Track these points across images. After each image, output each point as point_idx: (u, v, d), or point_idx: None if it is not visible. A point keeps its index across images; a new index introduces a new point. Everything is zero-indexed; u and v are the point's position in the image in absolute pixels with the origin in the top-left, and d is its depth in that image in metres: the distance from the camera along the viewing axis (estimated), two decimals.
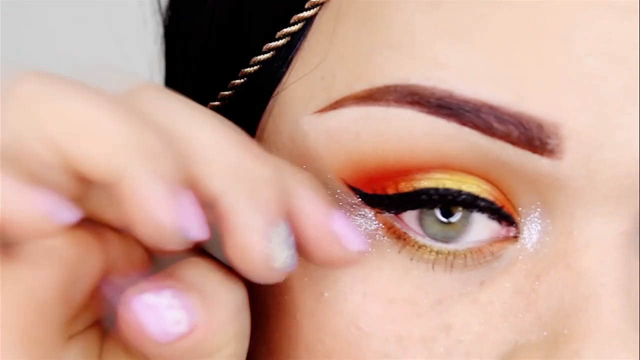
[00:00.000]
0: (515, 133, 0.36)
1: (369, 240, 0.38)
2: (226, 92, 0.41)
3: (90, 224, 0.35)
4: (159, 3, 0.46)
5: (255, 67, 0.40)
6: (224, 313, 0.35)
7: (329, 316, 0.38)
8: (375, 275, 0.38)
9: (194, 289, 0.35)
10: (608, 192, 0.36)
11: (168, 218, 0.32)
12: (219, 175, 0.34)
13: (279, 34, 0.39)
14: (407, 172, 0.37)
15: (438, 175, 0.37)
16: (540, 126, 0.36)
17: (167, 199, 0.32)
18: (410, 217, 0.38)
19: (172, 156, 0.33)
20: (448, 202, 0.37)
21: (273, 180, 0.35)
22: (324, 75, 0.39)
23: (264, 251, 0.34)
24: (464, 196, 0.37)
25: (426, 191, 0.37)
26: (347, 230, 0.37)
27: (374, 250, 0.38)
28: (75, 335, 0.36)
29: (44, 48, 0.81)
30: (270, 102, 0.40)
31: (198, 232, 0.33)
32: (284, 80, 0.40)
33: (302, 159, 0.38)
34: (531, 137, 0.36)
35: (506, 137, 0.36)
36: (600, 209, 0.37)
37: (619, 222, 0.37)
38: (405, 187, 0.37)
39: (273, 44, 0.40)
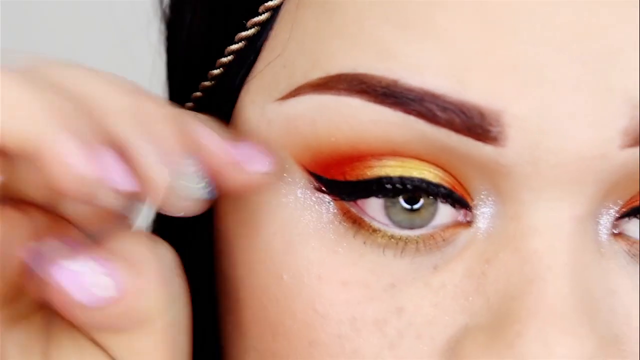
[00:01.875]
0: (457, 121, 0.36)
1: (329, 225, 0.39)
2: (206, 83, 0.43)
3: (16, 202, 0.36)
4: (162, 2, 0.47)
5: (229, 57, 0.41)
6: (153, 278, 0.36)
7: (288, 299, 0.39)
8: (330, 259, 0.39)
9: (119, 255, 0.36)
10: (555, 178, 0.37)
11: (91, 171, 0.34)
12: (118, 121, 0.35)
13: (249, 23, 0.41)
14: (360, 158, 0.38)
15: (391, 163, 0.38)
16: (481, 114, 0.36)
17: (86, 153, 0.34)
18: (375, 207, 0.39)
19: (82, 114, 0.34)
20: (401, 190, 0.38)
21: (170, 118, 0.36)
22: (285, 63, 0.40)
23: (169, 182, 0.35)
24: (416, 182, 0.38)
25: (379, 180, 0.38)
26: (249, 155, 0.38)
27: (331, 235, 0.39)
28: (19, 321, 0.37)
29: (43, 49, 0.81)
30: (242, 91, 0.41)
31: (124, 182, 0.34)
32: (253, 69, 0.41)
33: (267, 146, 0.39)
34: (473, 124, 0.36)
35: (449, 125, 0.36)
36: (549, 194, 0.37)
37: (569, 208, 0.37)
38: (361, 173, 0.38)
39: (244, 33, 0.41)
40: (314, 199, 0.39)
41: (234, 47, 0.41)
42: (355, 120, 0.37)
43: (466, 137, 0.37)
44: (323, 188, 0.39)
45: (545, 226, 0.37)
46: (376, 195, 0.38)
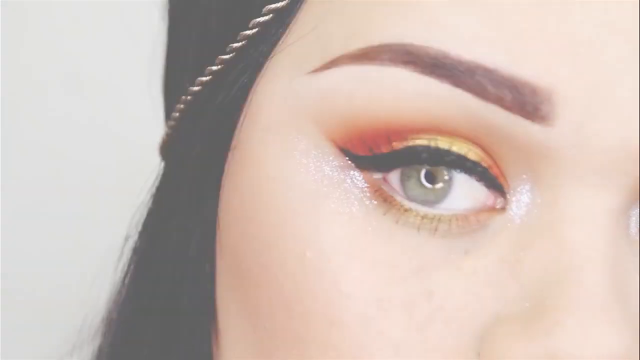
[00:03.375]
0: (508, 97, 0.36)
1: (358, 203, 0.38)
2: (225, 57, 0.41)
3: None
4: None
5: (254, 30, 0.40)
6: None
7: (310, 276, 0.38)
8: (359, 237, 0.37)
9: None
10: (599, 164, 0.36)
11: None
12: None
13: None
14: (398, 131, 0.37)
15: (429, 136, 0.37)
16: (533, 91, 0.36)
17: None
18: (393, 177, 0.38)
19: None
20: (437, 160, 0.37)
21: None
22: (319, 35, 0.38)
23: None
24: (452, 156, 0.37)
25: (416, 148, 0.37)
26: None
27: (360, 213, 0.38)
28: None
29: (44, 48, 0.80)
30: (266, 65, 0.40)
31: None
32: (280, 42, 0.40)
33: (294, 120, 0.38)
34: (524, 101, 0.36)
35: (499, 101, 0.36)
36: (590, 181, 0.36)
37: (609, 197, 0.36)
38: (398, 145, 0.37)
39: (273, 5, 0.39)
40: (343, 176, 0.38)
41: (260, 19, 0.40)
42: (399, 91, 0.36)
43: (514, 114, 0.36)
44: (353, 164, 0.38)
45: (585, 215, 0.36)
46: (411, 164, 0.37)
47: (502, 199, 0.37)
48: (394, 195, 0.37)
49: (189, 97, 0.42)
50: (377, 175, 0.38)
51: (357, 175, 0.38)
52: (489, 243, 0.37)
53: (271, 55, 0.40)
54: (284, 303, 0.38)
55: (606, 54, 0.36)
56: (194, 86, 0.42)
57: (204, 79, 0.42)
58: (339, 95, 0.37)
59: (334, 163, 0.38)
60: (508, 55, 0.36)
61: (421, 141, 0.37)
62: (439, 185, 0.37)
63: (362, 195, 0.38)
